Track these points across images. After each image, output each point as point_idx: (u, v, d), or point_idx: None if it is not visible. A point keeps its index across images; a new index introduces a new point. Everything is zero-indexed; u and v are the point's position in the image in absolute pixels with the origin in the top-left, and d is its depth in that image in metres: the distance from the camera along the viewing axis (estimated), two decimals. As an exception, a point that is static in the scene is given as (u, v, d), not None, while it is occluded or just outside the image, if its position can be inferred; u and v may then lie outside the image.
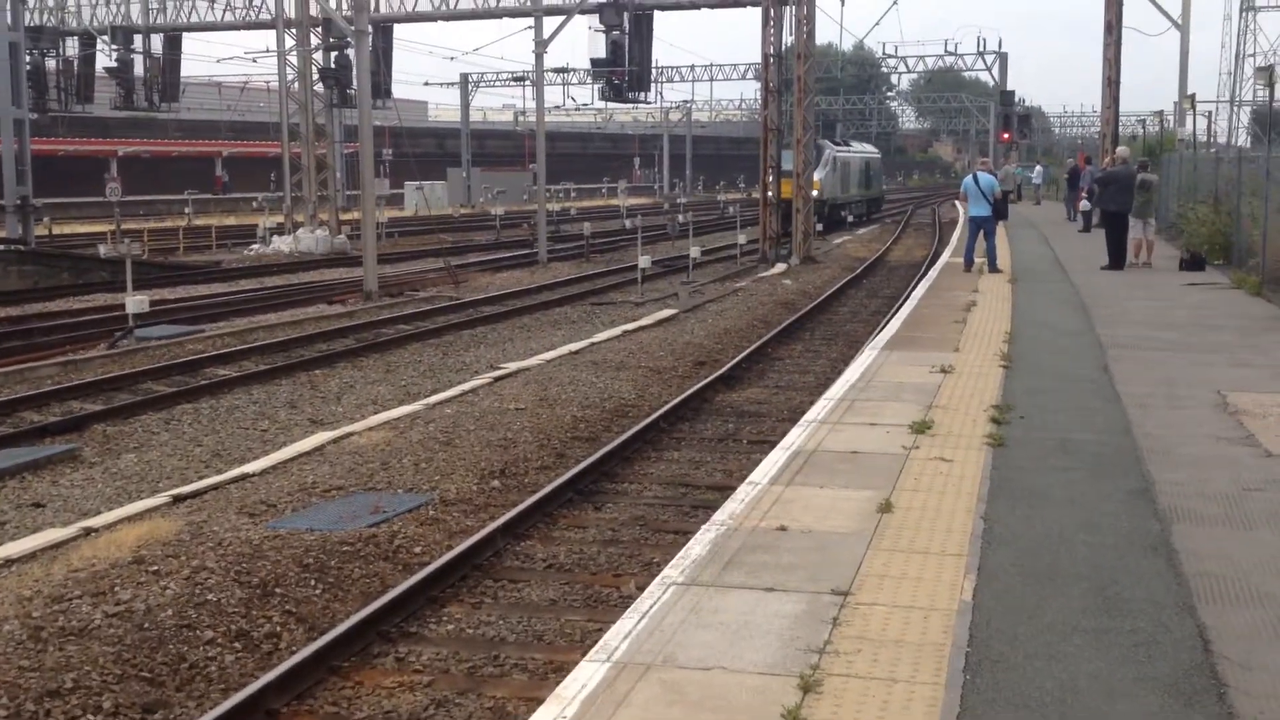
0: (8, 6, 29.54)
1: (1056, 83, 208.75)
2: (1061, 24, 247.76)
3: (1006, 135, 47.56)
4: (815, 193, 36.63)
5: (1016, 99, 49.20)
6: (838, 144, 51.17)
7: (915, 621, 4.95)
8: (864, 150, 57.59)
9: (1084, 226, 29.74)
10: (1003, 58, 60.91)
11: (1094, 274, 19.60)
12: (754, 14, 34.39)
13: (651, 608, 5.09)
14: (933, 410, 9.10)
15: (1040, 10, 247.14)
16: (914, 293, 18.83)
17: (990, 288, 17.82)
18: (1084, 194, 29.96)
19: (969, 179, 20.99)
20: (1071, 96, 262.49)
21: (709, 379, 14.83)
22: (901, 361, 11.48)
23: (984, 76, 74.44)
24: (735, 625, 4.91)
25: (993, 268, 20.06)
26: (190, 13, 39.89)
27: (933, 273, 21.70)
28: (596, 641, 4.95)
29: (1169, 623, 4.97)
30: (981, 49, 62.19)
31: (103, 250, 29.86)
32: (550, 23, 33.78)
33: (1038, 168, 55.58)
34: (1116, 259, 20.27)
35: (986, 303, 16.01)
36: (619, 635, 4.81)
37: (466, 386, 14.56)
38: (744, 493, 6.95)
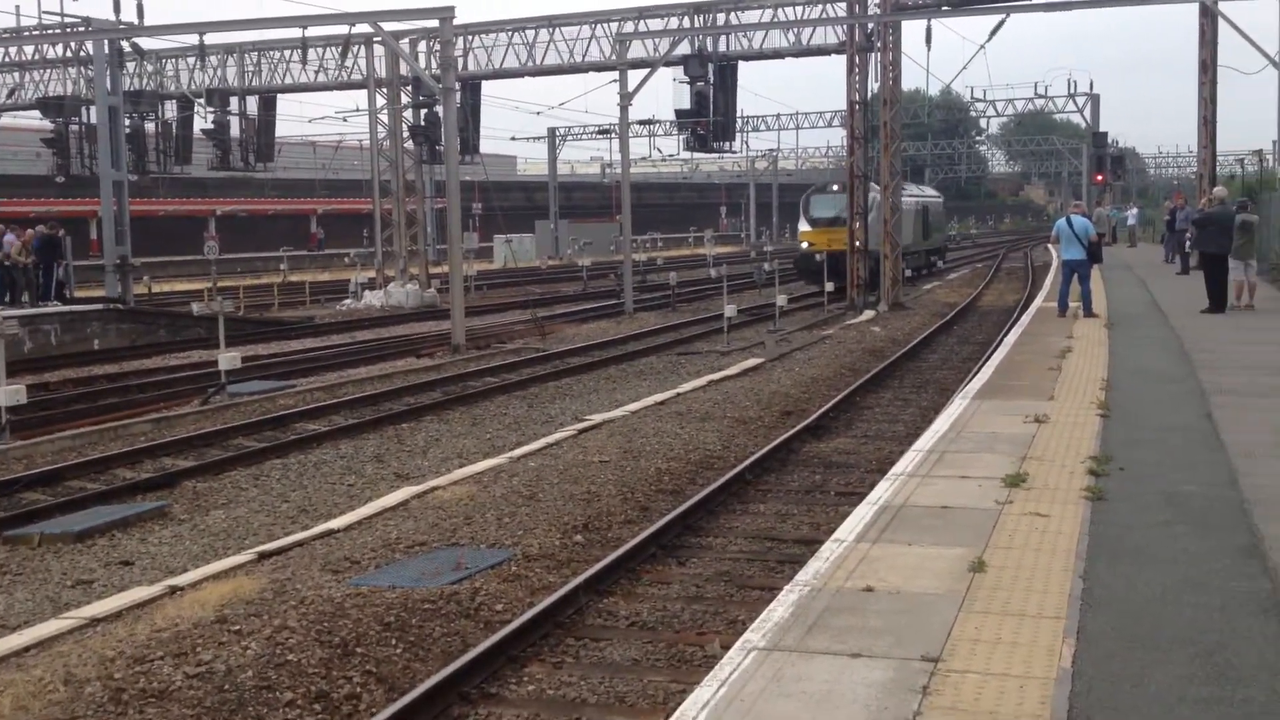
0: (107, 73, 30.48)
1: (1150, 123, 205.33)
2: (1154, 64, 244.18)
3: (1100, 177, 46.73)
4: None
5: (1109, 140, 48.25)
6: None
7: (1010, 691, 4.69)
8: (921, 193, 49.25)
9: (1182, 269, 29.01)
10: (1094, 99, 60.01)
11: (1194, 318, 19.01)
12: (839, 62, 34.26)
13: (731, 675, 4.90)
14: (1027, 462, 8.80)
15: (1132, 51, 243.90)
16: (1006, 339, 18.44)
17: (1086, 333, 17.37)
18: (1188, 235, 29.24)
19: (1062, 222, 20.57)
20: (1166, 137, 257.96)
21: (796, 429, 14.60)
22: (994, 411, 11.17)
23: (1075, 118, 73.52)
24: (819, 695, 4.70)
25: (1088, 312, 19.58)
26: (284, 75, 40.81)
27: (1026, 318, 21.25)
28: (679, 705, 4.78)
29: (1285, 691, 4.66)
30: (1072, 91, 61.35)
31: (196, 308, 30.51)
32: (635, 76, 33.90)
33: (1133, 209, 54.52)
34: (1217, 302, 19.67)
35: (1082, 349, 15.59)
36: (697, 705, 4.63)
37: (551, 439, 14.50)
38: (829, 550, 6.73)
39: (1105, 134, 47.30)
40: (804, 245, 39.36)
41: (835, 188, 40.03)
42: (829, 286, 33.06)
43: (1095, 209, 41.32)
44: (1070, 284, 20.39)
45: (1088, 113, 60.38)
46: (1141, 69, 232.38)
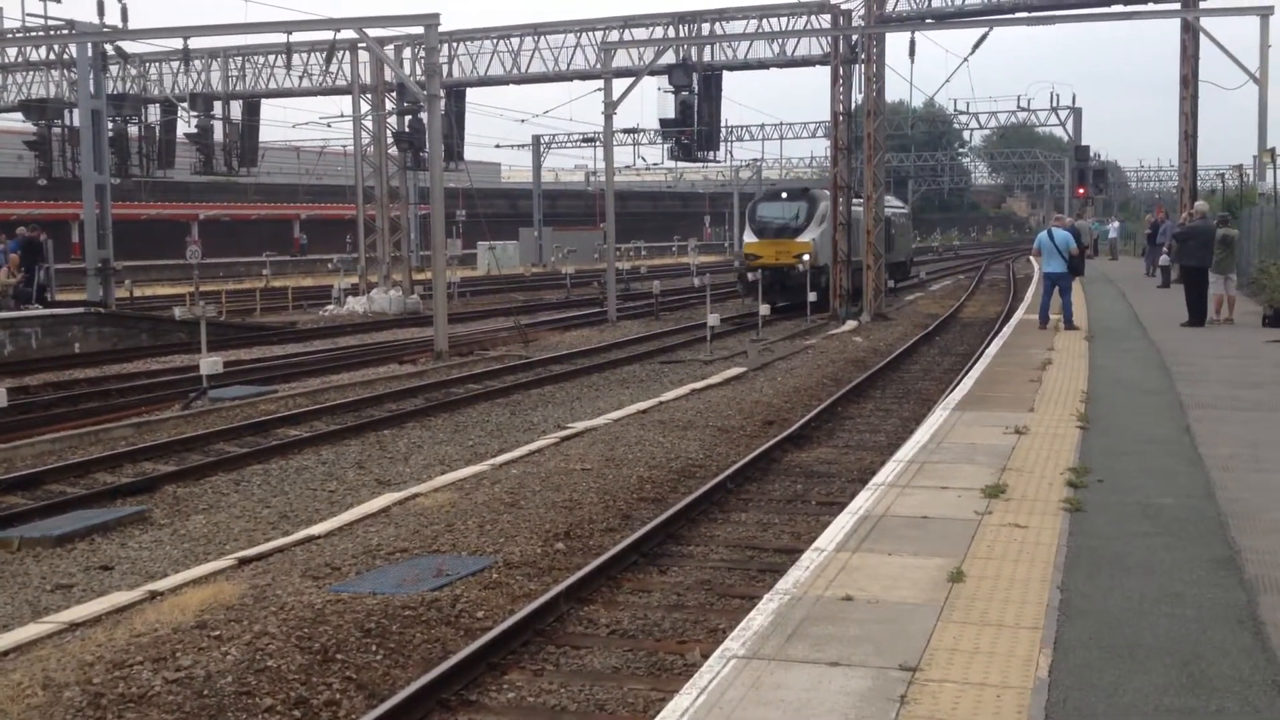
0: (90, 75, 30.38)
1: (1132, 137, 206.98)
2: (1136, 79, 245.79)
3: (1082, 190, 47.01)
4: (805, 256, 33.43)
5: (1091, 153, 48.53)
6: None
7: (988, 700, 4.73)
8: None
9: (1163, 282, 29.19)
10: (1077, 113, 60.40)
11: (1174, 331, 19.15)
12: (823, 73, 34.42)
13: (711, 683, 4.93)
14: (1006, 473, 8.85)
15: (1114, 65, 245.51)
16: (988, 350, 18.53)
17: (1066, 345, 17.46)
18: (1166, 250, 29.44)
19: (1044, 234, 20.68)
20: (1148, 151, 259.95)
21: (777, 438, 14.64)
22: (974, 422, 11.22)
23: (1058, 131, 73.96)
24: (797, 703, 4.72)
25: (1069, 325, 19.69)
26: (269, 79, 40.75)
27: (1007, 330, 21.35)
28: (659, 712, 4.80)
29: (1257, 702, 4.71)
30: (1055, 104, 61.73)
31: (178, 312, 30.40)
32: (619, 84, 33.98)
33: (1114, 222, 54.83)
34: (1197, 315, 19.81)
35: (1063, 361, 15.67)
36: (676, 712, 4.65)
37: (533, 446, 14.49)
38: (809, 559, 6.76)
39: (1087, 148, 47.60)
40: (747, 258, 35.65)
41: (784, 194, 37.02)
42: (811, 297, 32.64)
43: (1077, 222, 41.56)
44: (1051, 296, 20.50)
45: (1070, 126, 60.79)
46: (1124, 83, 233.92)
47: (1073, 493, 8.12)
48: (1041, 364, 15.26)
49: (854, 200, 34.04)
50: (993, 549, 6.87)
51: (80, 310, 28.08)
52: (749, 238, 36.51)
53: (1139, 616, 5.69)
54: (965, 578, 6.30)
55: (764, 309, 28.94)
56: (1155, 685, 4.87)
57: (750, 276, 33.62)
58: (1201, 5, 30.52)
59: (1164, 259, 29.48)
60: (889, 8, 32.51)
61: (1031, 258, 44.82)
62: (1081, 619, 5.66)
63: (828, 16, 33.71)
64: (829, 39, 33.56)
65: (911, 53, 32.97)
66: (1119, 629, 5.52)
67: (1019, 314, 24.74)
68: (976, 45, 33.00)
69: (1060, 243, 19.84)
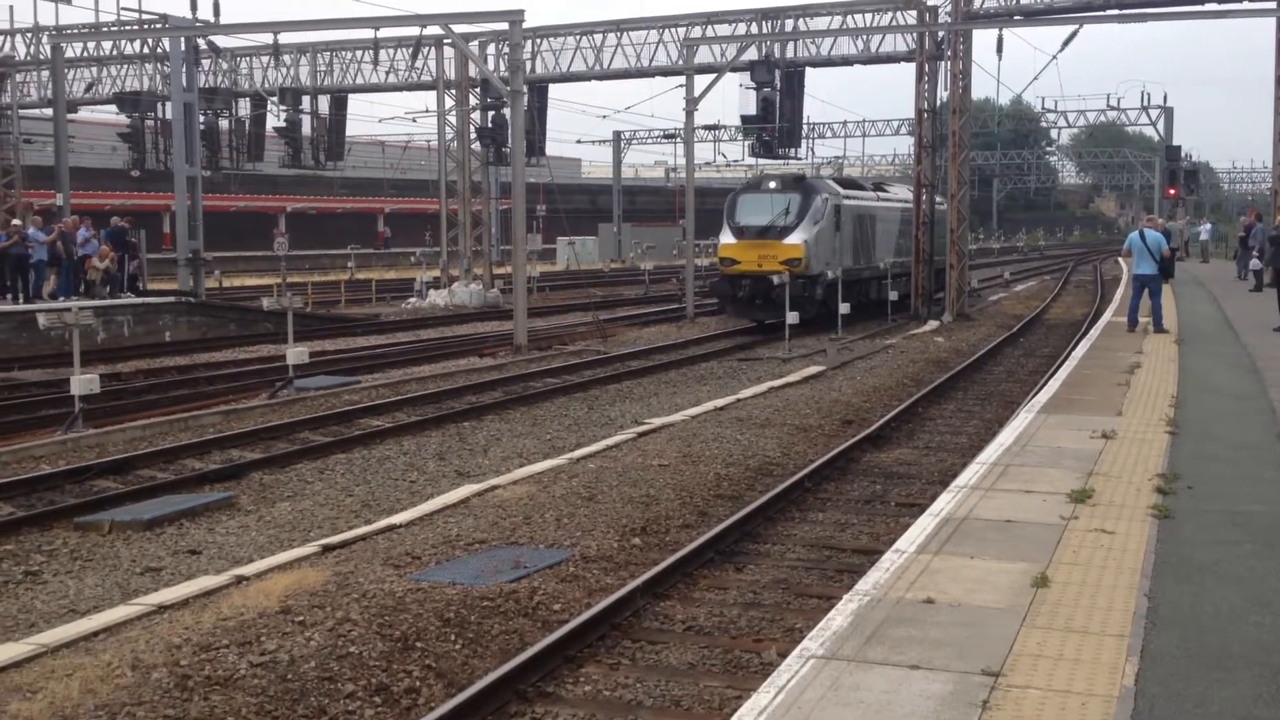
0: (183, 69, 31.01)
1: (1224, 137, 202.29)
2: (1230, 77, 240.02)
3: (1172, 191, 46.02)
4: (797, 258, 28.03)
5: (1183, 154, 47.46)
6: (847, 186, 33.25)
7: (1072, 708, 4.65)
8: (901, 199, 35.61)
9: (1255, 286, 28.51)
10: (1168, 112, 59.11)
11: (1266, 336, 18.66)
12: (907, 69, 34.05)
13: (789, 682, 4.91)
14: (1093, 478, 8.70)
15: (1207, 63, 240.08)
16: (1074, 352, 18.22)
17: (1155, 349, 17.12)
18: (1258, 253, 28.73)
19: (1135, 235, 20.27)
20: (1241, 152, 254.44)
21: (856, 438, 14.54)
22: (1060, 425, 11.05)
23: (1148, 131, 72.49)
24: (876, 705, 4.69)
25: (1158, 328, 19.29)
26: (356, 74, 41.25)
27: (1094, 332, 20.98)
28: (735, 710, 4.79)
29: (1353, 718, 4.58)
30: (1146, 103, 60.53)
31: (266, 303, 30.94)
32: (701, 81, 33.90)
33: (1206, 224, 53.65)
34: (1291, 320, 19.31)
35: (1151, 364, 15.37)
36: (754, 711, 4.64)
37: (610, 441, 14.54)
38: (889, 561, 6.71)
39: (1179, 148, 46.55)
40: (722, 262, 29.96)
41: (773, 185, 30.34)
42: (892, 295, 32.20)
43: (1168, 223, 40.71)
44: (1140, 299, 20.10)
45: (1161, 126, 59.52)
46: (1217, 81, 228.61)
47: (1161, 499, 7.96)
48: (1130, 367, 14.98)
49: (886, 190, 33.21)
50: (1078, 555, 6.76)
51: (171, 299, 28.72)
52: (726, 238, 29.92)
53: (1228, 626, 5.57)
54: (1050, 583, 6.21)
55: (844, 307, 28.56)
56: (1244, 696, 4.76)
57: (740, 290, 28.02)
58: (1300, 2, 29.74)
59: (1254, 262, 28.77)
60: (976, 4, 32.10)
61: (1121, 258, 44.05)
62: (1169, 627, 5.55)
63: (913, 12, 33.33)
64: (914, 35, 33.20)
65: (999, 49, 32.57)
66: (1207, 638, 5.40)
67: (1106, 316, 24.29)
68: (1066, 42, 32.53)
69: (1152, 244, 19.45)
